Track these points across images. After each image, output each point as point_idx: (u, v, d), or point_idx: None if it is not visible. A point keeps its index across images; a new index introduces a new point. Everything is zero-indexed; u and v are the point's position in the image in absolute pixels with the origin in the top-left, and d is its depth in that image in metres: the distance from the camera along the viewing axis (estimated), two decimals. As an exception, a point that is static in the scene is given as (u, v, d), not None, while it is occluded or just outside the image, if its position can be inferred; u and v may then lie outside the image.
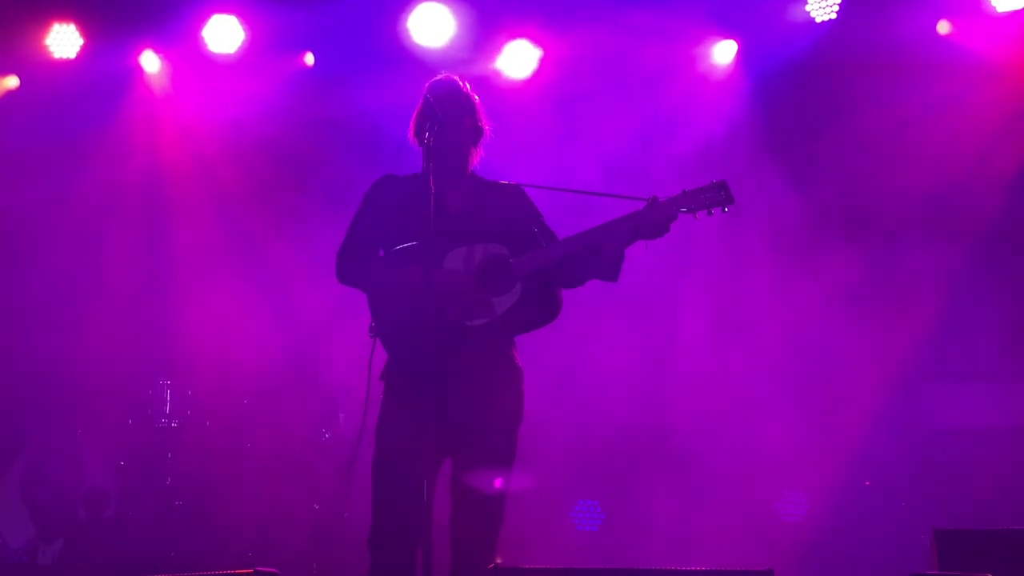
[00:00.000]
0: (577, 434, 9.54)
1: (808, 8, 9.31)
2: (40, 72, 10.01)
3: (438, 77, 5.48)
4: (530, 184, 5.51)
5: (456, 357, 5.07)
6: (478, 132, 5.42)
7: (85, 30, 9.93)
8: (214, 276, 10.06)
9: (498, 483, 5.19)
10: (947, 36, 9.15)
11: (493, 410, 5.21)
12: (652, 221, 5.12)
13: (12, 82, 10.17)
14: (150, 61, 10.08)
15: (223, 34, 9.85)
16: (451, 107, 5.26)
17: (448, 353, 5.02)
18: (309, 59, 10.12)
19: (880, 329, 9.21)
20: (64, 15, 9.89)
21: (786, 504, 9.25)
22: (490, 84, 9.62)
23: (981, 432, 8.76)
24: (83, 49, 9.94)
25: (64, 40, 9.92)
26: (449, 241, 5.17)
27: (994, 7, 8.89)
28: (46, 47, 9.93)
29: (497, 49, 9.83)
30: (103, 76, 10.05)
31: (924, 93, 9.15)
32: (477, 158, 5.46)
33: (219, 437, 9.54)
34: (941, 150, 9.11)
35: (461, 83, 5.45)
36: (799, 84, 9.63)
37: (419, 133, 5.28)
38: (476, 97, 5.46)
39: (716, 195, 5.19)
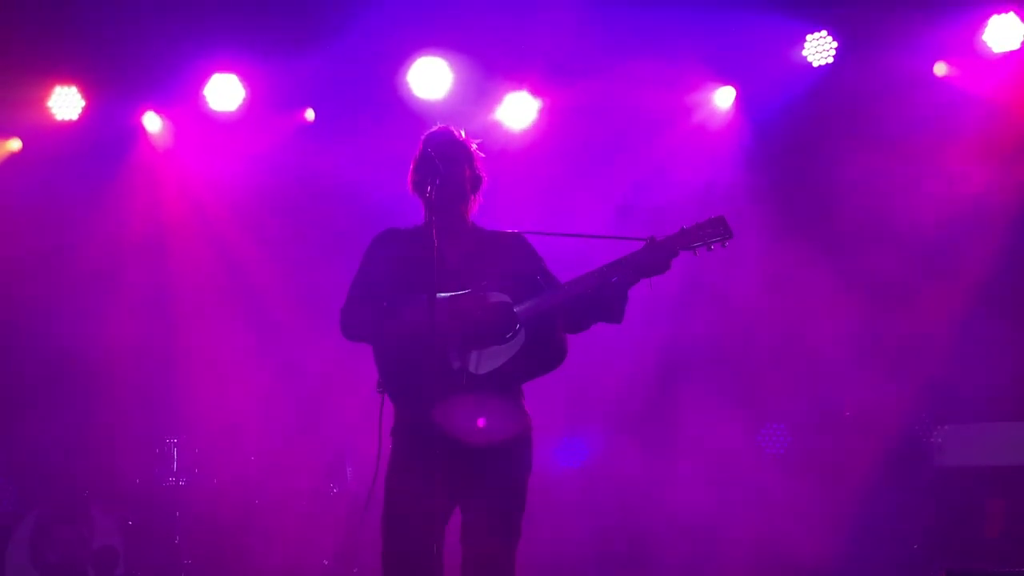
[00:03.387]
0: (584, 479, 9.56)
1: (805, 53, 9.36)
2: (42, 134, 10.06)
3: (435, 128, 5.48)
4: (529, 231, 5.51)
5: (463, 406, 5.05)
6: (477, 181, 5.42)
7: (87, 92, 9.99)
8: (218, 332, 10.07)
9: (508, 533, 5.17)
10: (944, 78, 9.19)
11: (501, 458, 5.17)
12: (651, 261, 5.11)
13: (15, 145, 10.22)
14: (152, 121, 10.14)
15: (224, 92, 9.91)
16: (450, 159, 5.26)
17: (455, 402, 5.00)
18: (310, 115, 10.18)
19: (888, 370, 9.20)
20: (66, 78, 9.95)
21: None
22: (491, 135, 9.65)
23: (992, 471, 8.72)
24: (85, 111, 10.01)
25: (66, 102, 9.98)
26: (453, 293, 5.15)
27: (990, 48, 8.94)
28: (48, 109, 9.99)
29: (497, 100, 9.88)
30: (105, 137, 10.11)
31: (922, 134, 9.17)
32: (476, 206, 5.46)
33: (227, 494, 9.52)
34: (942, 190, 9.13)
35: (458, 133, 5.46)
36: (798, 127, 9.66)
37: (418, 185, 5.27)
38: (474, 146, 5.47)
39: (714, 230, 5.18)
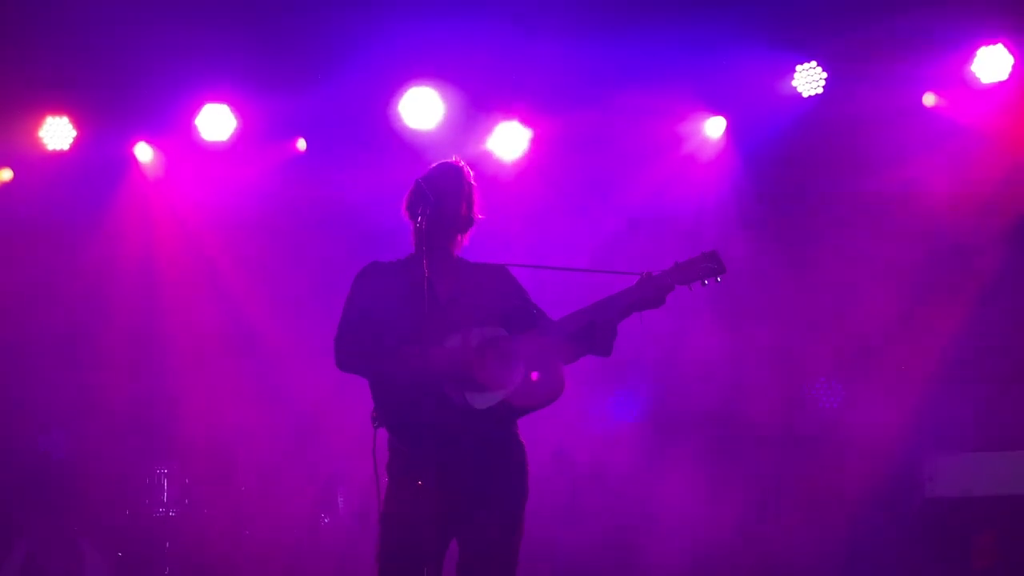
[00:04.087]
0: (575, 509, 9.54)
1: (795, 83, 9.40)
2: (34, 164, 10.05)
3: (446, 160, 5.48)
4: (517, 264, 5.51)
5: (461, 440, 5.05)
6: (468, 222, 5.40)
7: (78, 122, 9.98)
8: (210, 361, 10.04)
9: (505, 563, 5.14)
10: (933, 108, 9.23)
11: (498, 490, 5.16)
12: (645, 297, 5.13)
13: (6, 175, 10.20)
14: (143, 151, 10.14)
15: (216, 122, 9.91)
16: (446, 192, 5.27)
17: (453, 436, 5.00)
18: (301, 144, 10.18)
19: (878, 399, 9.21)
20: (57, 108, 9.94)
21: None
22: (481, 165, 9.66)
23: (981, 502, 8.71)
24: (76, 141, 9.99)
25: (58, 132, 9.97)
26: (445, 328, 5.15)
27: (979, 79, 8.98)
28: (40, 139, 9.98)
29: (488, 130, 9.89)
30: (97, 166, 10.09)
31: (911, 164, 9.21)
32: (463, 245, 5.45)
33: (217, 525, 9.49)
34: (929, 221, 9.16)
35: (466, 171, 5.44)
36: (788, 157, 9.69)
37: (411, 208, 5.29)
38: (474, 184, 5.46)
39: (708, 265, 5.20)
